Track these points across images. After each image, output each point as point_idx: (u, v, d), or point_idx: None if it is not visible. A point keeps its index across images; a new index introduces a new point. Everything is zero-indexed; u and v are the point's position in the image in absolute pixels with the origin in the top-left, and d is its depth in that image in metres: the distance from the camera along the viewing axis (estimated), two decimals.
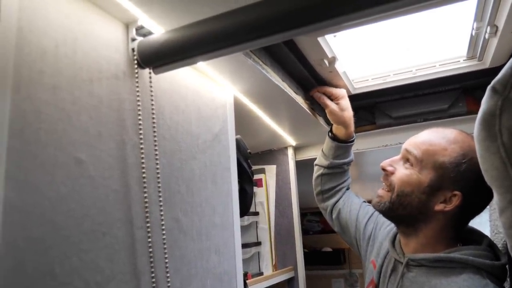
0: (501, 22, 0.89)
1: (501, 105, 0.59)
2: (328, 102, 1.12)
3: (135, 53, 0.64)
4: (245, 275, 1.29)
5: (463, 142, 0.84)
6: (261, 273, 1.41)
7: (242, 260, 1.04)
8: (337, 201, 1.16)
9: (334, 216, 1.16)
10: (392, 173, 0.89)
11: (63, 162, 0.51)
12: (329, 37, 1.01)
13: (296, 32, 0.55)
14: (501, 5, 0.85)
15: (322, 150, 1.20)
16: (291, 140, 1.53)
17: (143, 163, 0.64)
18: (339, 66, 1.13)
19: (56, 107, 0.51)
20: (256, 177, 1.54)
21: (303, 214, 1.93)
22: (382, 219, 1.08)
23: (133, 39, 0.64)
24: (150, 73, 0.67)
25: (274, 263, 1.49)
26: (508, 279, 0.83)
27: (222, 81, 0.91)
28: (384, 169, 0.91)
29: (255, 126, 1.28)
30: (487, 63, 1.12)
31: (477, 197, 0.81)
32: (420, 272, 0.83)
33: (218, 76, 0.88)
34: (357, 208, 1.13)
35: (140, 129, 0.64)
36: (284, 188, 1.57)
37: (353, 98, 1.36)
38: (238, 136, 1.00)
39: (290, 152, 1.58)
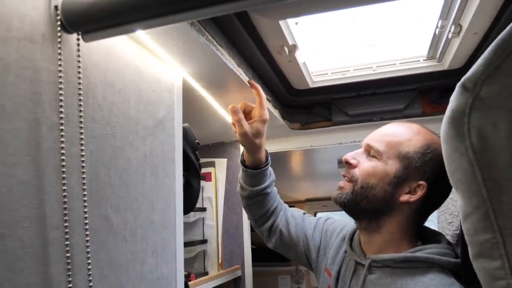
0: (465, 22, 0.87)
1: (471, 103, 0.55)
2: (244, 122, 0.92)
3: (58, 11, 0.51)
4: (188, 277, 1.20)
5: (426, 134, 0.84)
6: (206, 273, 1.33)
7: (186, 259, 0.94)
8: (274, 223, 1.07)
9: (275, 238, 1.07)
10: (356, 166, 0.86)
11: None
12: (291, 24, 0.94)
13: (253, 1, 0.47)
14: (468, 4, 0.82)
15: (239, 179, 1.07)
16: None
17: (63, 147, 0.52)
18: (299, 56, 1.06)
19: None
20: (204, 170, 1.45)
21: None
22: (331, 226, 1.04)
23: None
24: (78, 39, 0.55)
25: (220, 262, 1.41)
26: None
27: (170, 60, 0.80)
28: (347, 162, 0.87)
29: (205, 115, 1.18)
30: (445, 65, 1.11)
31: (440, 188, 0.81)
32: (384, 273, 0.80)
33: (164, 54, 0.77)
34: (301, 222, 1.07)
35: (61, 106, 0.52)
36: (234, 183, 1.49)
37: (311, 92, 1.30)
38: (186, 124, 0.90)
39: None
